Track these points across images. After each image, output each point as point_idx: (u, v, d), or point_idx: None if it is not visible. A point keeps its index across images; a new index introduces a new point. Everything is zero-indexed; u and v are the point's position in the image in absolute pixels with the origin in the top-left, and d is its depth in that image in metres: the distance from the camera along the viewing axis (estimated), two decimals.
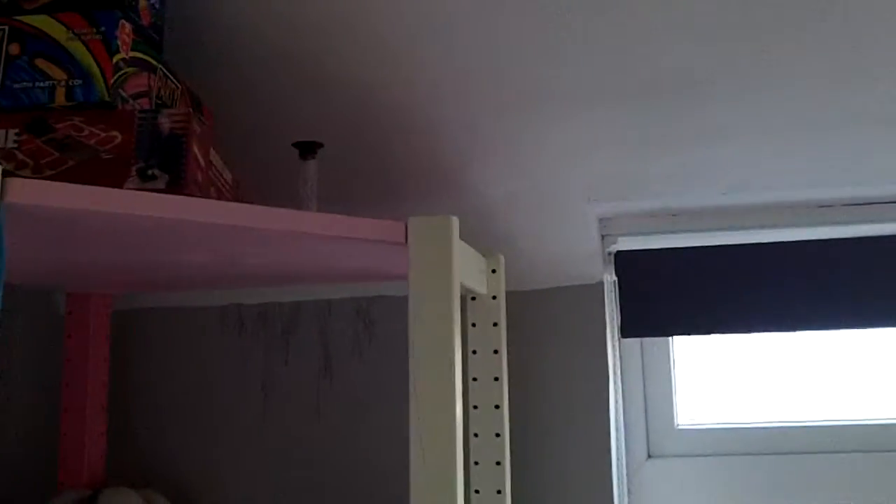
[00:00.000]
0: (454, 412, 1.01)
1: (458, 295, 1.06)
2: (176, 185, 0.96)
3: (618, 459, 1.52)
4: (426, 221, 1.04)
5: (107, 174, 0.96)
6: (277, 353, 1.57)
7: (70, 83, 0.99)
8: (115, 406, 1.58)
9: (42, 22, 1.01)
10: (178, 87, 1.13)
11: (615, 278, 1.56)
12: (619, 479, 1.50)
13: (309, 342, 1.56)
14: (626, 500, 1.53)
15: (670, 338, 1.58)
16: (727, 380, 1.62)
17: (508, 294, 1.45)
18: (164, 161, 0.96)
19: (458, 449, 1.00)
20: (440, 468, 0.99)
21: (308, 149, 1.14)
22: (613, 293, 1.56)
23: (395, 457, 1.48)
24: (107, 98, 0.98)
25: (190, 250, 1.08)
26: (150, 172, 0.96)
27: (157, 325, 1.62)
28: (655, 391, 1.61)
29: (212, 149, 1.08)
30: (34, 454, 1.50)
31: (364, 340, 1.55)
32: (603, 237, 1.54)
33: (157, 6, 1.09)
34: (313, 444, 1.53)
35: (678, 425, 1.57)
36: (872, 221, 1.47)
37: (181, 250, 1.08)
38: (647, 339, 1.64)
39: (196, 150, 1.00)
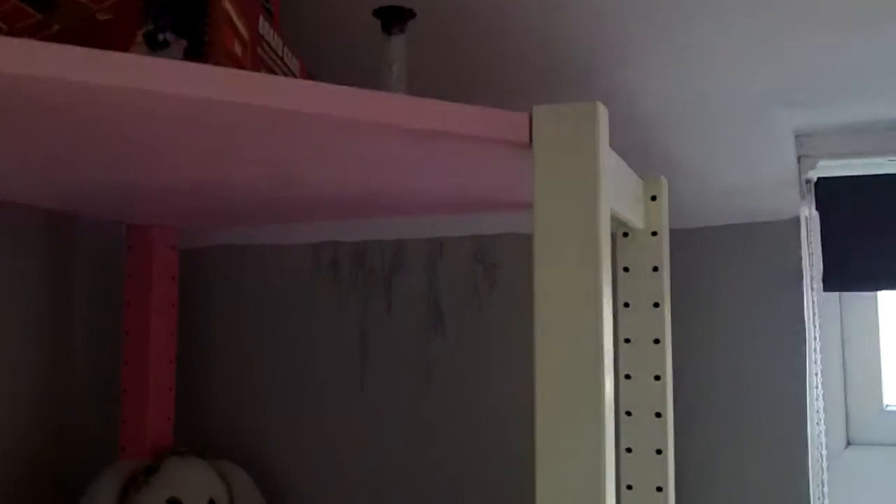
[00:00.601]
0: (599, 385, 0.70)
1: (607, 225, 0.73)
2: (197, 54, 0.66)
3: (816, 449, 1.16)
4: (559, 111, 0.72)
5: (103, 40, 0.68)
6: (378, 301, 1.27)
7: None
8: (186, 361, 1.33)
9: None
10: None
11: (815, 213, 1.18)
12: (815, 472, 1.14)
13: (417, 289, 1.26)
14: (821, 498, 1.16)
15: (877, 294, 1.20)
16: None
17: (671, 232, 1.10)
18: (179, 22, 0.66)
19: (604, 433, 0.69)
20: (578, 458, 0.68)
21: (394, 18, 0.82)
22: (812, 233, 1.18)
23: (522, 433, 1.17)
24: None
25: (233, 156, 0.79)
26: (161, 38, 0.67)
27: (235, 265, 1.36)
28: (858, 363, 1.31)
29: (264, 19, 0.77)
30: (95, 416, 1.26)
31: (484, 288, 1.24)
32: (799, 158, 1.17)
33: None
34: (421, 412, 1.24)
35: (886, 406, 1.29)
36: None
37: (222, 157, 0.79)
38: (847, 296, 1.26)
39: (230, 10, 0.69)
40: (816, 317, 1.22)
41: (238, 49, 0.71)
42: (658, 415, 1.02)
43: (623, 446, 1.02)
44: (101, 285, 1.31)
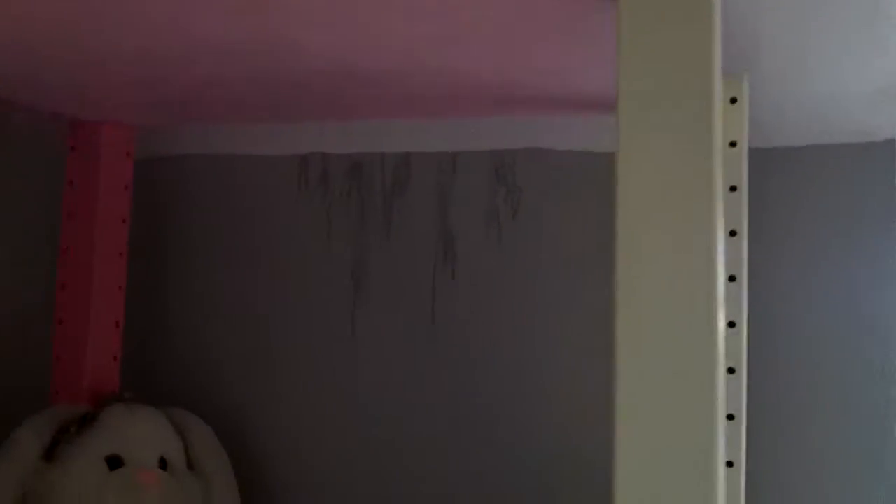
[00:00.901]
0: (711, 334, 0.48)
1: (717, 109, 0.51)
2: None
3: None
4: None
5: None
6: (376, 227, 1.04)
7: None
8: (138, 290, 1.10)
9: None
10: None
11: None
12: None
13: (423, 213, 1.03)
14: None
15: None
16: None
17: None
18: None
19: (716, 400, 0.47)
20: (684, 427, 0.47)
21: None
22: None
23: (539, 387, 0.96)
24: None
25: (205, 9, 0.55)
26: None
27: (202, 178, 1.13)
28: None
29: None
30: (21, 351, 1.03)
31: (505, 215, 1.01)
32: None
33: None
34: (422, 363, 1.01)
35: None
36: None
37: (191, 14, 0.55)
38: None
39: None
40: None
41: None
42: (731, 371, 0.80)
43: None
44: (35, 192, 1.07)
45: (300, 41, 0.65)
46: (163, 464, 0.95)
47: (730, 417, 0.80)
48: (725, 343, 0.78)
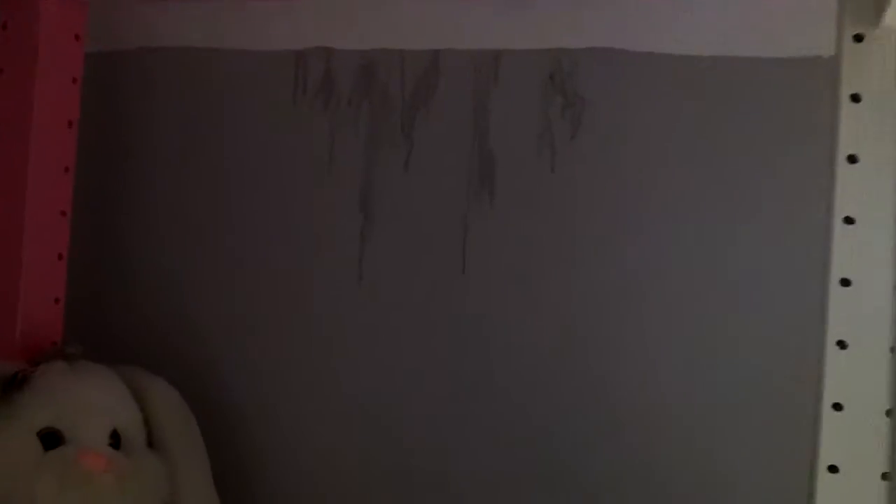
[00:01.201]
0: None
1: None
2: None
3: None
4: None
5: None
6: (392, 146, 0.82)
7: None
8: (87, 217, 0.87)
9: None
10: None
11: None
12: None
13: (454, 130, 0.81)
14: None
15: None
16: None
17: None
18: None
19: None
20: None
21: None
22: None
23: (584, 349, 0.76)
24: None
25: None
26: None
27: (172, 78, 0.89)
28: None
29: None
30: None
31: (561, 135, 0.79)
32: None
33: None
34: (450, 327, 0.80)
35: None
36: None
37: None
38: None
39: None
40: None
41: None
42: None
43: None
44: None
45: None
46: (115, 440, 0.73)
47: None
48: None
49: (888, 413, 0.60)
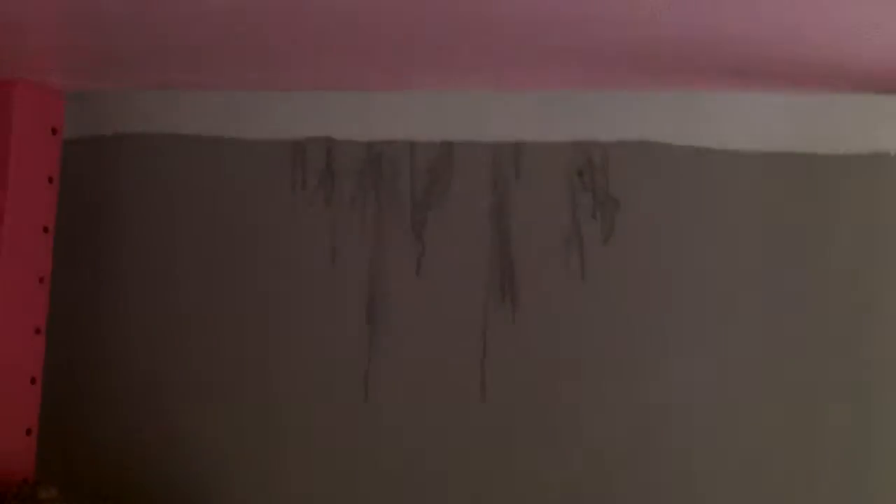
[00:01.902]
0: None
1: None
2: None
3: None
4: None
5: None
6: (402, 248, 0.73)
7: None
8: (64, 329, 0.79)
9: None
10: None
11: None
12: None
13: (470, 231, 0.72)
14: None
15: None
16: None
17: None
18: None
19: None
20: None
21: None
22: None
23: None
24: None
25: None
26: None
27: (158, 168, 0.80)
28: None
29: None
30: None
31: (591, 236, 0.70)
32: None
33: None
34: (469, 463, 0.70)
35: None
36: None
37: None
38: None
39: None
40: None
41: None
42: None
43: None
44: None
45: None
46: None
47: None
48: None
49: None
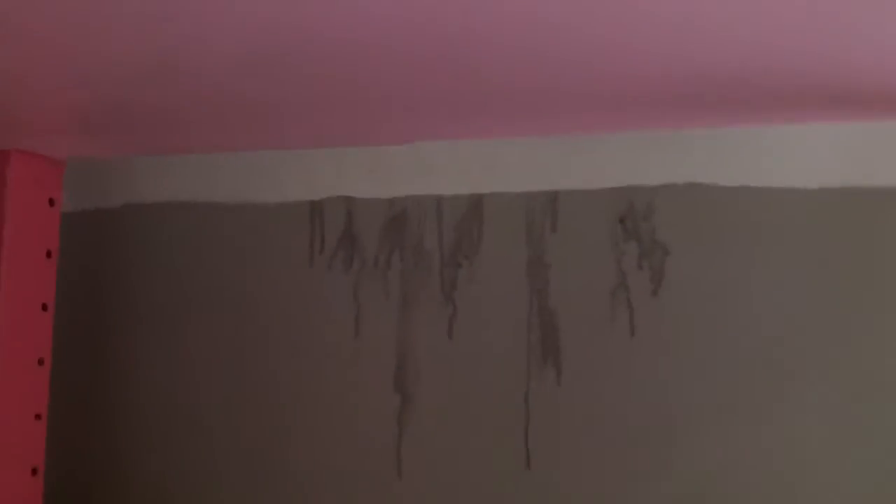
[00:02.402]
0: None
1: None
2: None
3: None
4: None
5: None
6: (431, 311, 0.67)
7: None
8: (64, 412, 0.73)
9: None
10: None
11: None
12: None
13: (505, 288, 0.66)
14: None
15: None
16: None
17: None
18: None
19: None
20: None
21: None
22: None
23: None
24: None
25: None
26: None
27: (164, 239, 0.75)
28: None
29: None
30: None
31: (639, 288, 0.64)
32: None
33: None
34: None
35: None
36: None
37: None
38: None
39: None
40: None
41: None
42: None
43: None
44: None
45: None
46: None
47: None
48: None
49: None
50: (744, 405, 0.62)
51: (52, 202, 0.71)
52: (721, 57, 0.44)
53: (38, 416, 0.67)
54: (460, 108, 0.55)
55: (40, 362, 0.68)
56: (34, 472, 0.67)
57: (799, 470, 0.60)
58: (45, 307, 0.69)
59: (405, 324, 0.69)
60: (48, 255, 0.70)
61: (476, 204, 0.69)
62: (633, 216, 0.66)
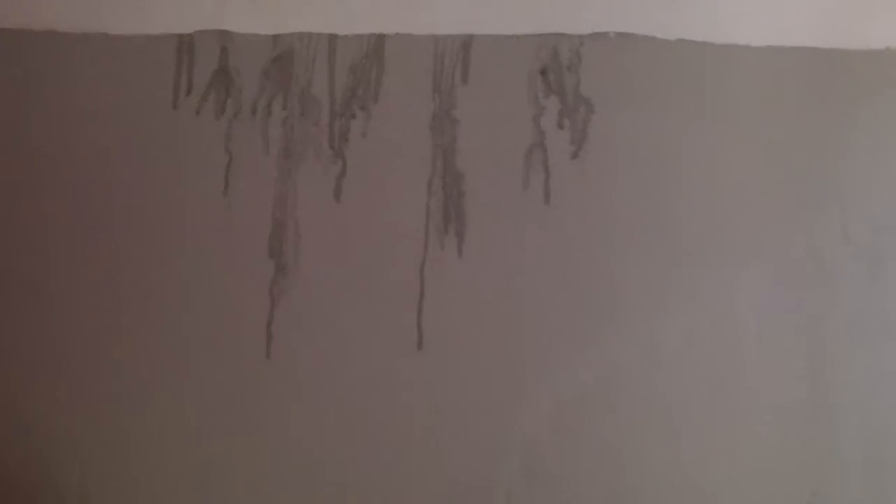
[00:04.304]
0: None
1: None
2: None
3: None
4: None
5: None
6: (319, 163, 0.57)
7: None
8: None
9: None
10: None
11: None
12: None
13: (406, 144, 0.57)
14: None
15: None
16: None
17: None
18: None
19: None
20: None
21: None
22: None
23: None
24: None
25: None
26: None
27: (13, 73, 0.62)
28: None
29: None
30: None
31: (557, 150, 0.56)
32: None
33: None
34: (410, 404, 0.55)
35: None
36: None
37: None
38: None
39: None
40: None
41: None
42: None
43: None
44: None
45: None
46: None
47: None
48: None
49: None
50: (672, 287, 0.55)
51: None
52: None
53: None
54: None
55: None
56: None
57: (727, 361, 0.54)
58: None
59: (285, 181, 0.59)
60: None
61: (377, 45, 0.59)
62: (556, 67, 0.57)
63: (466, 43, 0.58)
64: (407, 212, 0.58)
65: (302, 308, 0.58)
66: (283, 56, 0.60)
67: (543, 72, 0.57)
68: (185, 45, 0.61)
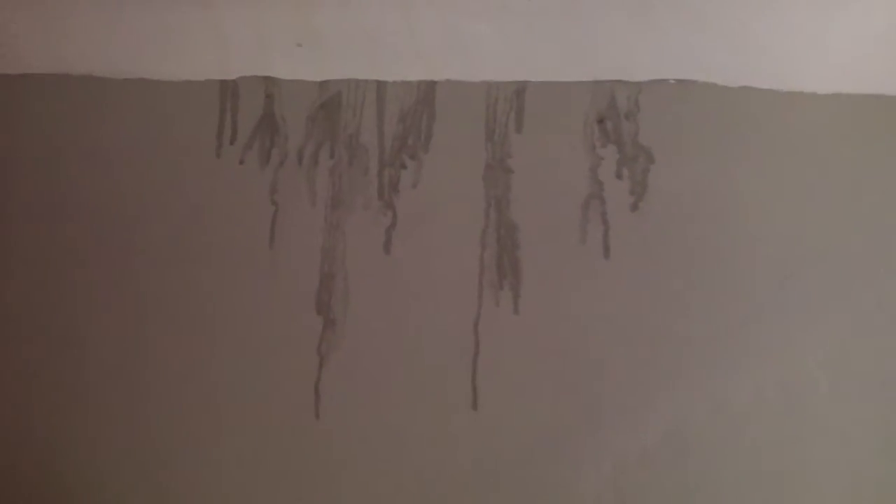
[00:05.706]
0: None
1: None
2: None
3: None
4: None
5: None
6: (368, 214, 0.55)
7: None
8: None
9: None
10: None
11: None
12: None
13: (459, 189, 0.55)
14: None
15: None
16: None
17: None
18: None
19: None
20: None
21: None
22: None
23: None
24: None
25: None
26: None
27: (52, 119, 0.61)
28: None
29: None
30: None
31: (616, 200, 0.54)
32: None
33: None
34: (463, 470, 0.52)
35: None
36: None
37: None
38: None
39: None
40: None
41: None
42: None
43: None
44: None
45: None
46: None
47: None
48: None
49: None
50: (737, 341, 0.53)
51: None
52: None
53: None
54: None
55: None
56: None
57: (796, 423, 0.52)
58: None
59: (332, 233, 0.57)
60: None
61: (427, 92, 0.57)
62: (613, 115, 0.55)
63: (520, 90, 0.56)
64: (459, 265, 0.56)
65: (351, 366, 0.56)
66: (330, 103, 0.58)
67: (601, 120, 0.55)
68: (229, 91, 0.60)
